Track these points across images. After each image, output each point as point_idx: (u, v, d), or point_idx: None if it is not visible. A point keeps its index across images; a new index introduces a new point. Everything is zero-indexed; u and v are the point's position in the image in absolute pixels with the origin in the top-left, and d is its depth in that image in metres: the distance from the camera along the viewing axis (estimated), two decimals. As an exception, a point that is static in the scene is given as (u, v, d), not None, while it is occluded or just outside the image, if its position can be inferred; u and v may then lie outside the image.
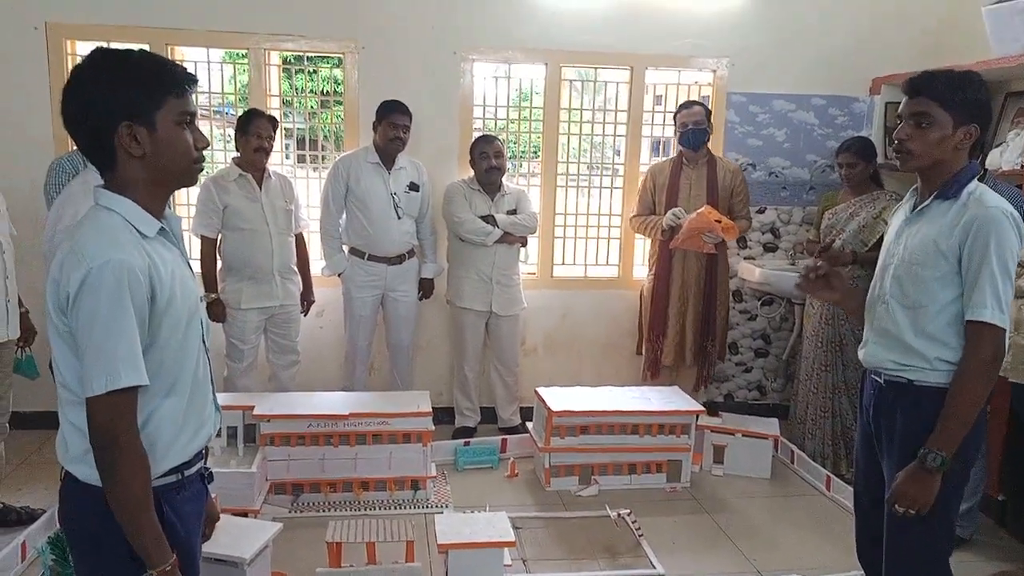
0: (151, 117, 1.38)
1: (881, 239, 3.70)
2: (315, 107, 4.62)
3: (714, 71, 4.35)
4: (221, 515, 2.66)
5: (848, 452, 3.77)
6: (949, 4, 4.32)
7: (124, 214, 1.39)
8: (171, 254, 1.46)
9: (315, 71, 4.45)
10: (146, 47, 3.64)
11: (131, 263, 1.33)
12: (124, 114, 1.36)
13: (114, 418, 1.34)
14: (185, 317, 1.45)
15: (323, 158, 4.54)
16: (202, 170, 1.52)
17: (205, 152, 1.51)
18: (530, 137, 4.51)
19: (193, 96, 1.45)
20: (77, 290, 1.31)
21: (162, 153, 1.41)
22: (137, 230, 1.39)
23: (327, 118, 4.80)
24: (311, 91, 4.50)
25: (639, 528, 3.14)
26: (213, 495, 1.95)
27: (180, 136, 1.42)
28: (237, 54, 5.05)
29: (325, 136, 4.71)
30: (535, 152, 4.62)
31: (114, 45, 3.70)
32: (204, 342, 1.54)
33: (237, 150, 3.65)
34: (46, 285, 1.39)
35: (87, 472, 1.39)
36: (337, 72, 4.24)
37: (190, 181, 1.51)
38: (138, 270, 1.34)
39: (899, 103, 1.90)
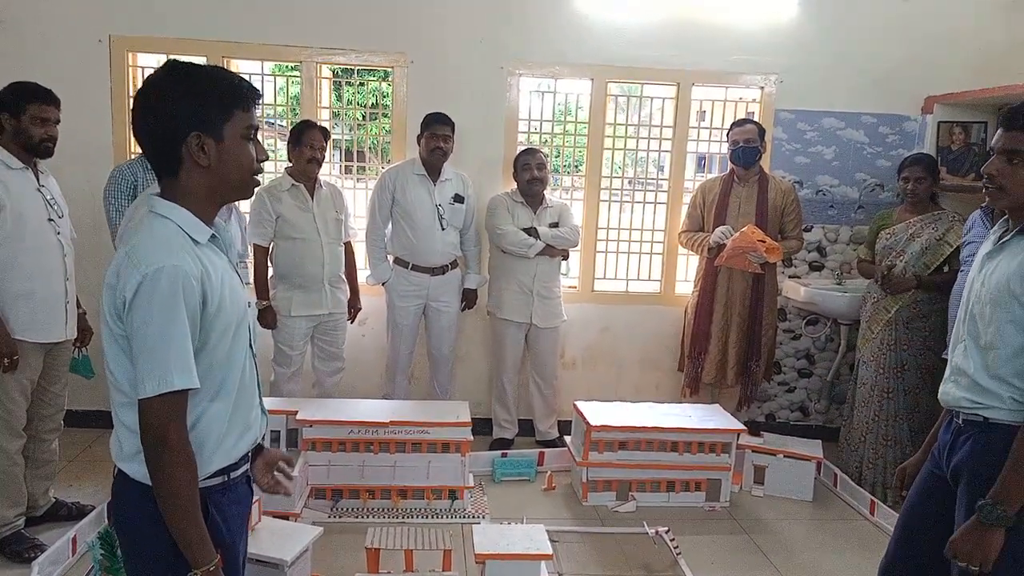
0: (220, 129, 1.43)
1: (945, 261, 3.64)
2: (361, 119, 4.70)
3: (762, 88, 4.32)
4: (263, 517, 2.73)
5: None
6: (1009, 24, 4.23)
7: (178, 221, 1.43)
8: (221, 261, 1.50)
9: (362, 84, 4.54)
10: (203, 60, 3.77)
11: (185, 269, 1.37)
12: (194, 125, 1.41)
13: (165, 419, 1.37)
14: (234, 322, 1.48)
15: (366, 169, 4.62)
16: (259, 184, 1.57)
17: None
18: (573, 151, 4.53)
19: (256, 111, 1.50)
20: (133, 295, 1.35)
21: (227, 164, 1.45)
22: (190, 237, 1.43)
23: (372, 130, 4.89)
24: (358, 103, 4.58)
25: (677, 546, 3.11)
26: (256, 498, 2.00)
27: (244, 149, 1.47)
28: (287, 66, 5.17)
29: (370, 147, 4.79)
30: (577, 166, 4.63)
31: (174, 57, 3.83)
32: (251, 347, 1.58)
33: (289, 160, 3.73)
34: (103, 290, 1.43)
35: (138, 470, 1.43)
36: (384, 85, 4.31)
37: (247, 193, 1.55)
38: (191, 276, 1.38)
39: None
